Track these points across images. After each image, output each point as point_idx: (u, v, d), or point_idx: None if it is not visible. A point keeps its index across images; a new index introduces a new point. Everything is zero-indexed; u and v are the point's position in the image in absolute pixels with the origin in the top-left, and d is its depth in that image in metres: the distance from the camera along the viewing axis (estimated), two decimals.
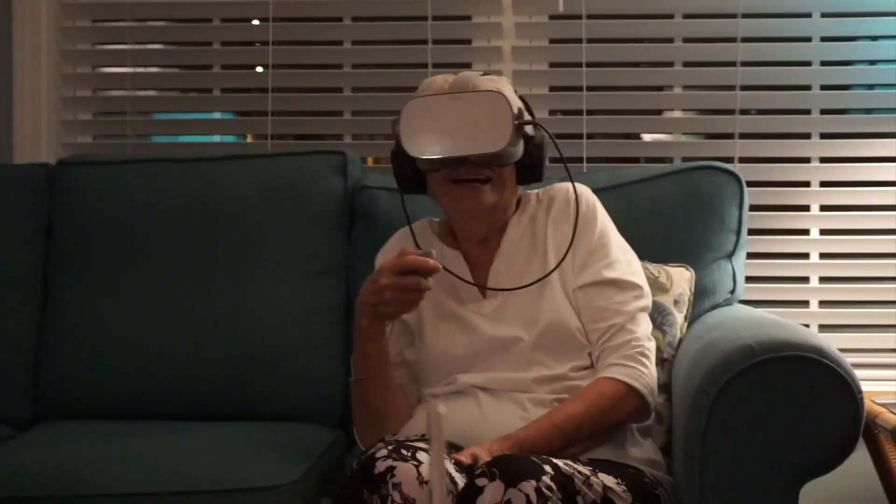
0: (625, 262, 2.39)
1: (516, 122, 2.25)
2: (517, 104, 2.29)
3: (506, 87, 2.35)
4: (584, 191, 2.44)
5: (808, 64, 3.27)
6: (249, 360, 2.80)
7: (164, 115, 3.58)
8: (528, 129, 2.31)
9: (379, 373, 2.29)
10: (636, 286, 2.37)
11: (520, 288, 2.33)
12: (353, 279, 2.87)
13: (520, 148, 2.31)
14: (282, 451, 2.47)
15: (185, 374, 2.80)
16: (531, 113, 2.37)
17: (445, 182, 2.32)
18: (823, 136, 3.27)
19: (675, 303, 2.65)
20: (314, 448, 2.55)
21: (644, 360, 2.29)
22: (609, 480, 2.07)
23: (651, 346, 2.34)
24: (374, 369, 2.29)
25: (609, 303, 2.33)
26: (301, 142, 3.47)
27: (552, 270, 2.34)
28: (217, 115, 3.55)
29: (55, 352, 2.87)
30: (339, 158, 2.97)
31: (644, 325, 2.35)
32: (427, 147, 2.26)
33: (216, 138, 3.57)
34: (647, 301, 2.39)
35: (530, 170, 2.36)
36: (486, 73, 2.40)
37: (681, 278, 2.70)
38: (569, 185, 2.44)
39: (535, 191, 2.50)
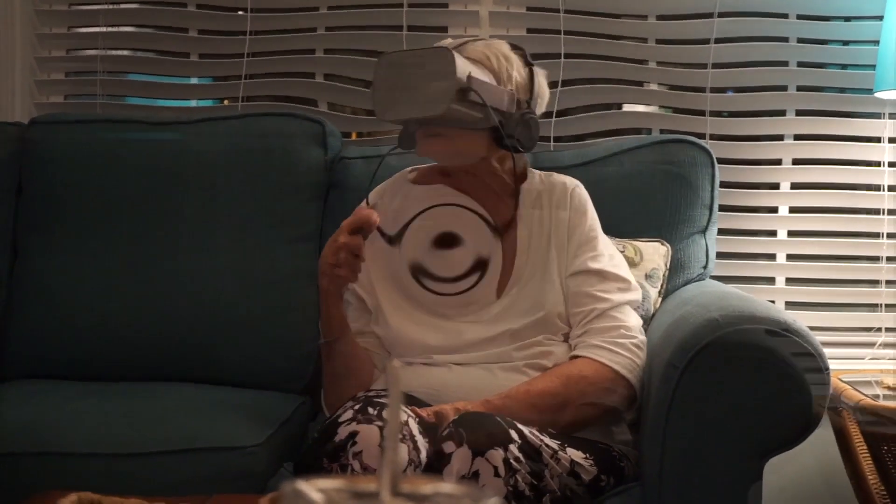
0: (608, 256, 2.40)
1: (460, 88, 2.12)
2: (469, 71, 2.16)
3: (499, 55, 2.32)
4: (578, 186, 2.46)
5: (784, 40, 3.29)
6: (218, 325, 2.80)
7: (136, 76, 3.55)
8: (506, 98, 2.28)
9: (342, 335, 2.31)
10: (620, 278, 2.37)
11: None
12: None
13: (488, 115, 2.21)
14: (246, 414, 2.47)
15: (153, 336, 2.80)
16: (531, 91, 2.36)
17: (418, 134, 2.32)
18: (799, 112, 3.29)
19: (647, 277, 2.65)
20: (279, 413, 2.55)
21: (639, 351, 2.28)
22: (577, 455, 2.08)
23: (643, 338, 2.33)
24: (339, 331, 2.30)
25: (591, 290, 2.33)
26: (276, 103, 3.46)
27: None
28: (194, 81, 3.51)
29: (23, 311, 2.86)
30: (318, 127, 2.96)
31: (634, 318, 2.34)
32: (382, 107, 2.19)
33: (192, 103, 3.54)
34: (635, 295, 2.39)
35: (505, 140, 2.30)
36: (497, 41, 2.38)
37: (655, 253, 2.71)
38: (565, 178, 2.46)
39: (537, 171, 2.50)
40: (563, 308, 2.34)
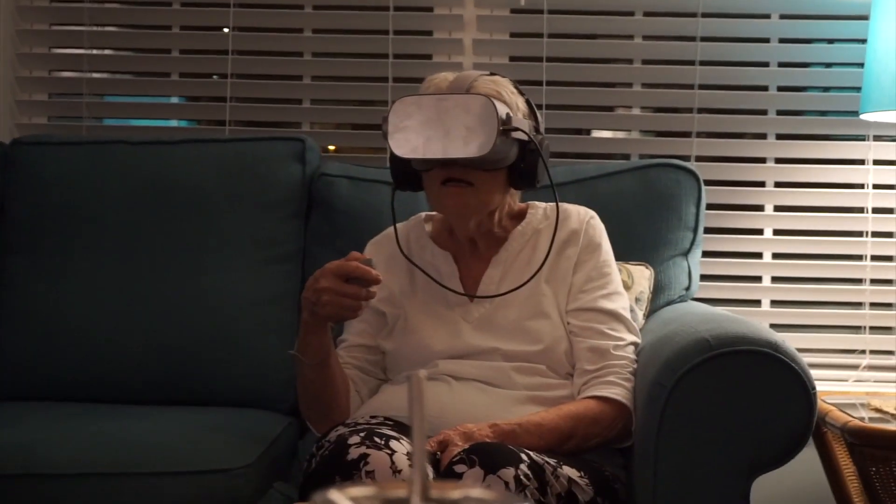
0: (620, 295, 2.38)
1: (501, 129, 2.18)
2: (506, 110, 2.22)
3: (506, 89, 2.32)
4: (593, 218, 2.43)
5: (765, 65, 3.31)
6: (203, 345, 2.78)
7: (120, 97, 3.54)
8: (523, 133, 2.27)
9: (318, 363, 2.27)
10: (630, 322, 2.35)
11: (500, 294, 2.32)
12: (310, 266, 2.86)
13: (512, 152, 2.26)
14: (235, 435, 2.45)
15: (138, 358, 2.78)
16: (535, 118, 2.34)
17: (436, 182, 2.30)
18: (779, 136, 3.30)
19: (637, 300, 2.65)
20: (267, 433, 2.53)
21: (634, 379, 2.27)
22: (573, 473, 2.07)
23: (635, 367, 2.31)
24: (314, 358, 2.26)
25: (603, 328, 2.30)
26: (259, 129, 3.45)
27: (527, 281, 2.32)
28: (175, 100, 3.52)
29: (7, 333, 2.84)
30: (298, 145, 2.96)
31: (632, 355, 2.32)
32: (410, 147, 2.22)
33: (174, 123, 3.54)
34: (639, 339, 2.37)
35: (523, 175, 2.31)
36: (492, 74, 2.35)
37: (641, 277, 2.71)
38: (579, 210, 2.43)
39: (544, 204, 2.48)
40: (567, 345, 2.32)
